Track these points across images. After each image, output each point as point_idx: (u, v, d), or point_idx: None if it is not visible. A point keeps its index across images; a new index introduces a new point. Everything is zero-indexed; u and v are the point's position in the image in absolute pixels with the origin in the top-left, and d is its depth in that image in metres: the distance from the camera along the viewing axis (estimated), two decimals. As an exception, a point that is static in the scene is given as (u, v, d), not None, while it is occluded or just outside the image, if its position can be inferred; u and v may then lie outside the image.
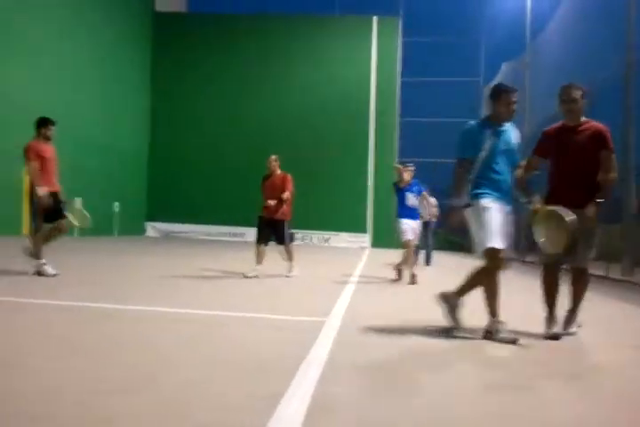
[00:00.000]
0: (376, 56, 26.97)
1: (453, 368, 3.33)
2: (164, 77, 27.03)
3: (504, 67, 23.62)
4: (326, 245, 25.93)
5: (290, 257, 8.65)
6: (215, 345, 3.57)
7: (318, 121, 26.41)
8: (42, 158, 6.79)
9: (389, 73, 26.93)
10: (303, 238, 26.12)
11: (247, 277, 7.86)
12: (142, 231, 26.00)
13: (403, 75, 27.28)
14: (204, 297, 5.93)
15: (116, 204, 22.81)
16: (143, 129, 26.36)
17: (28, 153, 6.75)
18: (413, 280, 8.36)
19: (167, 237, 25.67)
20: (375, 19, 27.18)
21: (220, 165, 26.12)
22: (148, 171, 26.53)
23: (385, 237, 25.97)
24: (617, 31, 12.67)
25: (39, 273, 6.71)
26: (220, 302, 5.61)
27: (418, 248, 12.95)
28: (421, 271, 11.43)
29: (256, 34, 27.27)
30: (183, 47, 27.27)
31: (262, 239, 8.39)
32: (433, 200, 12.57)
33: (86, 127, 20.74)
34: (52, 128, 7.00)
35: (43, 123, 6.97)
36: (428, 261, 13.51)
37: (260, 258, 8.27)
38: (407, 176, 8.70)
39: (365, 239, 26.38)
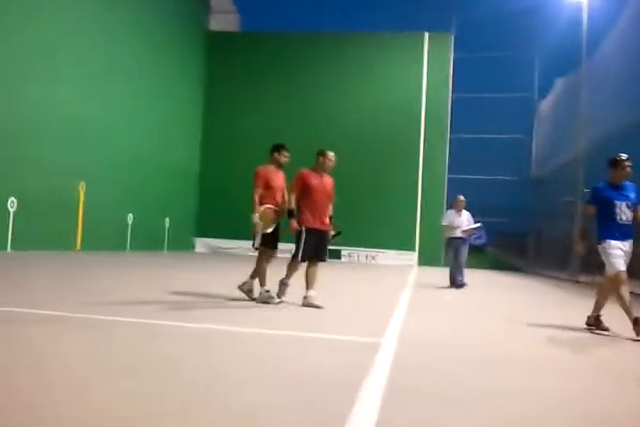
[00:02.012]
0: (427, 72, 26.80)
1: (523, 390, 3.12)
2: (217, 95, 27.43)
3: (558, 82, 23.13)
4: (373, 262, 25.66)
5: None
6: (270, 367, 3.44)
7: (369, 137, 26.30)
8: (270, 187, 6.67)
9: (441, 89, 26.69)
10: (350, 256, 25.94)
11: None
12: (191, 247, 26.27)
13: (455, 91, 27.00)
14: (254, 316, 5.84)
15: (167, 219, 23.13)
16: (195, 146, 26.75)
17: (257, 179, 6.67)
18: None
19: (215, 252, 25.87)
20: (427, 35, 27.07)
21: (268, 181, 26.30)
22: (198, 188, 26.85)
23: (432, 256, 25.57)
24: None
25: (264, 302, 6.58)
26: (270, 321, 5.51)
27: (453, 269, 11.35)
28: (457, 292, 11.02)
29: (308, 52, 27.49)
30: (236, 65, 27.67)
31: (310, 256, 6.67)
32: (469, 215, 11.58)
33: (139, 144, 21.17)
34: (287, 154, 6.88)
35: (277, 148, 6.85)
36: (460, 282, 11.46)
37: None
38: (625, 174, 5.88)
39: (413, 257, 26.00)
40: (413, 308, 7.24)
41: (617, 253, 5.67)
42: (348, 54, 27.24)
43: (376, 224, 25.54)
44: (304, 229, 6.54)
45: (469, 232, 11.34)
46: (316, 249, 6.62)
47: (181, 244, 24.85)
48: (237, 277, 7.49)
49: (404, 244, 25.90)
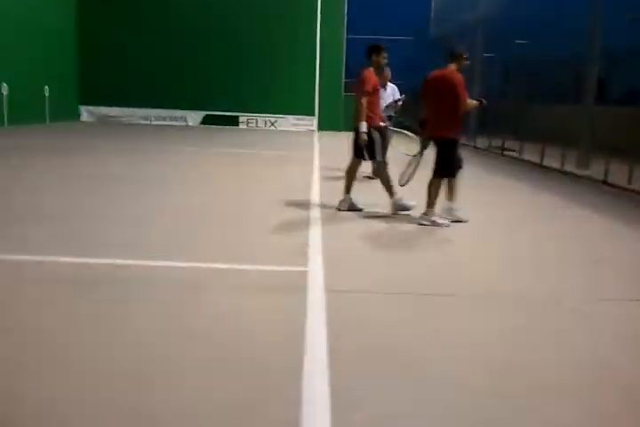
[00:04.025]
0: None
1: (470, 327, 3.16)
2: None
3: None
4: (272, 128, 25.17)
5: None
6: (199, 317, 3.26)
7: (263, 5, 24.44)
8: (375, 91, 6.39)
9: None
10: (248, 122, 25.24)
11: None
12: (76, 116, 24.41)
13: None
14: (140, 237, 5.22)
15: (46, 88, 21.10)
16: (68, 3, 23.70)
17: (365, 84, 6.24)
18: None
19: (103, 121, 24.30)
20: None
21: (157, 45, 24.15)
22: (78, 50, 24.26)
23: (332, 121, 25.36)
24: None
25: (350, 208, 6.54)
26: (163, 244, 4.90)
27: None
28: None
29: None
30: None
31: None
32: (394, 89, 9.79)
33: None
34: (386, 55, 6.47)
35: (376, 49, 6.42)
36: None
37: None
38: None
39: (313, 122, 25.68)
40: (329, 216, 6.42)
41: None
42: None
43: (274, 90, 24.65)
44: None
45: (394, 107, 9.58)
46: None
47: (65, 113, 22.99)
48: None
49: (303, 109, 25.36)
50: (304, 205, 6.93)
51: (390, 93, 9.58)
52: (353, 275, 4.24)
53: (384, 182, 6.53)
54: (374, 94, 6.37)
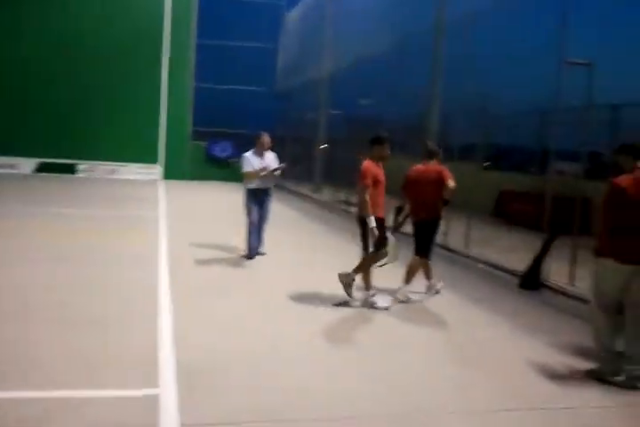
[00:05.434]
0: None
1: None
2: None
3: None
4: (113, 177, 23.87)
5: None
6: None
7: (107, 46, 23.50)
8: (378, 183, 6.11)
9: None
10: (88, 171, 23.78)
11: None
12: None
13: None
14: None
15: None
16: None
17: (366, 178, 6.02)
18: None
19: None
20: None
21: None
22: None
23: (178, 169, 24.71)
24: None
25: (371, 305, 6.15)
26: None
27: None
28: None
29: None
30: None
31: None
32: (274, 156, 8.87)
33: None
34: (388, 147, 6.24)
35: (379, 141, 6.20)
36: (255, 251, 8.84)
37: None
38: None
39: (157, 171, 24.75)
40: (181, 308, 5.74)
41: None
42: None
43: (115, 136, 23.56)
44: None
45: (270, 175, 8.69)
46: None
47: None
48: None
49: (146, 157, 24.41)
50: (149, 298, 6.02)
51: (270, 162, 8.74)
52: (212, 398, 3.68)
53: (368, 271, 6.30)
54: (376, 186, 6.12)
